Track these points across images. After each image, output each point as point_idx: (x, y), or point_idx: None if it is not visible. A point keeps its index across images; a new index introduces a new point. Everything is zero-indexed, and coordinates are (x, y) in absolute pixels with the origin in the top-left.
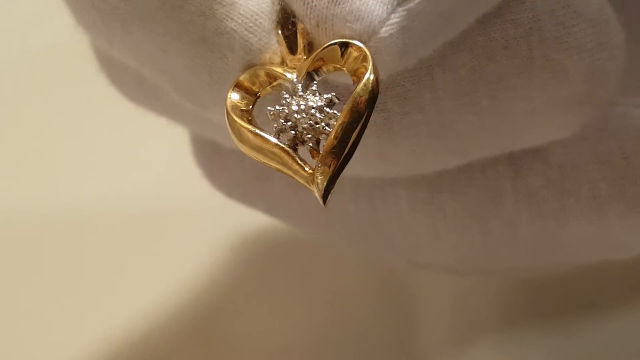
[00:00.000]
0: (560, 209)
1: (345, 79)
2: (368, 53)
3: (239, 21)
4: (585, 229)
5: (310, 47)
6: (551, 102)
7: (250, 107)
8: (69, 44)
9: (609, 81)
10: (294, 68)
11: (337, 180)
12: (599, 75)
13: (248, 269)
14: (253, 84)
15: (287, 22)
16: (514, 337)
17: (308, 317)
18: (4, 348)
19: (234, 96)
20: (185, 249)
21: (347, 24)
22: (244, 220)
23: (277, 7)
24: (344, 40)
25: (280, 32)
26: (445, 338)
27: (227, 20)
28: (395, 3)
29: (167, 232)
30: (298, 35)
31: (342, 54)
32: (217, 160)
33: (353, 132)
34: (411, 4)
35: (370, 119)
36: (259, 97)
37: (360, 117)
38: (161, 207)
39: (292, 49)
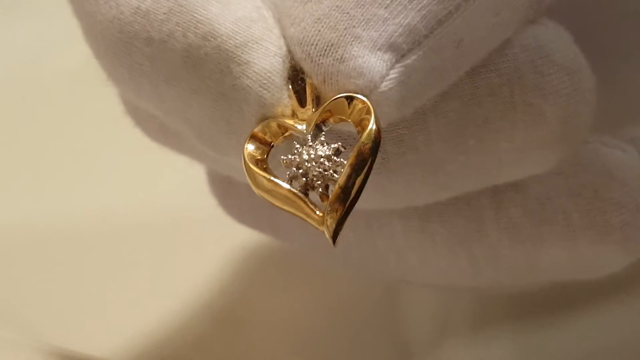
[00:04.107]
0: (537, 236)
1: (349, 127)
2: (370, 106)
3: (254, 78)
4: (559, 253)
5: (317, 101)
6: (531, 142)
7: (265, 156)
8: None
9: (582, 122)
10: (304, 120)
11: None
12: (573, 117)
13: (261, 265)
14: (267, 134)
15: (296, 78)
16: (488, 335)
17: (313, 304)
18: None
19: (250, 147)
20: (200, 251)
21: (351, 79)
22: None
23: (288, 65)
24: (349, 94)
25: (290, 87)
26: (427, 334)
27: (243, 78)
28: (393, 60)
29: (183, 235)
30: (307, 89)
31: (348, 106)
32: (230, 192)
33: (358, 179)
34: (408, 61)
35: None
36: (272, 146)
37: (365, 162)
38: (178, 211)
39: (302, 102)
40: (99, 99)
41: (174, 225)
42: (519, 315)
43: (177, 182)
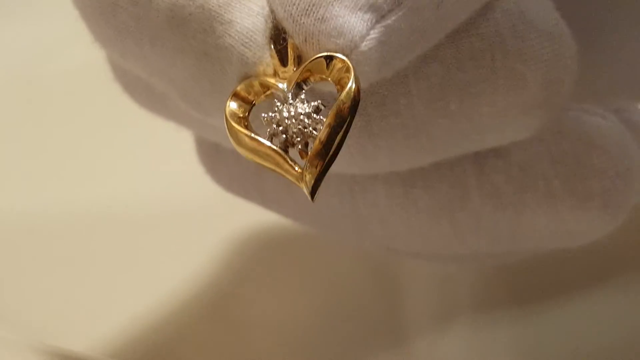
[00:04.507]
0: (519, 202)
1: (330, 87)
2: (350, 65)
3: (236, 38)
4: (540, 219)
5: (299, 60)
6: (512, 107)
7: (247, 114)
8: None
9: (563, 88)
10: (285, 79)
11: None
12: (554, 83)
13: (254, 260)
14: (249, 93)
15: (278, 38)
16: (488, 319)
17: (309, 300)
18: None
19: (232, 105)
20: (194, 246)
21: (332, 39)
22: (250, 217)
23: (270, 25)
24: (329, 53)
25: (272, 46)
26: (427, 319)
27: (225, 37)
28: (374, 20)
29: (176, 230)
30: (288, 49)
31: (328, 66)
32: (218, 159)
33: (337, 136)
34: (388, 21)
35: (353, 123)
36: (254, 105)
37: (343, 121)
38: (171, 206)
39: (283, 61)
40: (98, 99)
41: (173, 224)
42: (520, 303)
43: (175, 182)
